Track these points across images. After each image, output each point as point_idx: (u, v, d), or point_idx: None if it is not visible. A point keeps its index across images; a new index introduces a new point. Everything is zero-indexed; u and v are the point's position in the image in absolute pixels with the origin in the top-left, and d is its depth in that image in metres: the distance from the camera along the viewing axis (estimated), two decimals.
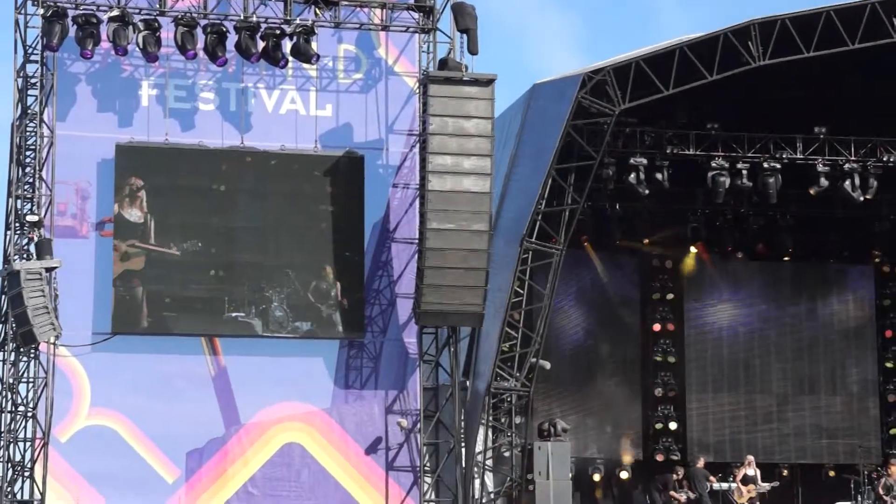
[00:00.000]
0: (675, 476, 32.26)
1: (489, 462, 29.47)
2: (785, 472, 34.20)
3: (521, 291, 29.12)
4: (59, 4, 26.49)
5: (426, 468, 28.31)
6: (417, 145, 28.19)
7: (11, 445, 26.63)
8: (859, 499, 31.58)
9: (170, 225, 27.58)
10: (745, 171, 30.72)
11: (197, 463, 27.25)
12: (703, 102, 29.54)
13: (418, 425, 28.24)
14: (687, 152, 30.73)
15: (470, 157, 26.68)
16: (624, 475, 34.99)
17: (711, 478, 31.05)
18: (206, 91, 28.41)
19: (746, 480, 30.28)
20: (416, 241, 27.65)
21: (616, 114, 28.42)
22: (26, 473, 26.49)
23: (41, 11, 26.58)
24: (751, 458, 31.20)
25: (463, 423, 28.51)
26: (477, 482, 28.84)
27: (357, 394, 28.34)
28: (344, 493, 27.77)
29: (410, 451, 28.25)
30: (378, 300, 28.69)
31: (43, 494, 26.18)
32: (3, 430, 26.80)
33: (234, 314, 27.80)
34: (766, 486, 30.55)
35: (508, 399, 29.32)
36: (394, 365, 28.52)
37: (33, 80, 27.30)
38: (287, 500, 27.32)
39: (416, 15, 29.05)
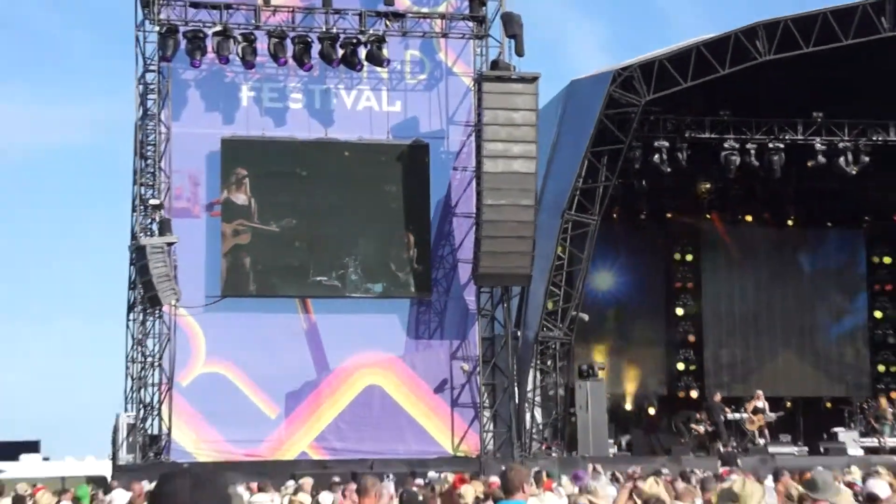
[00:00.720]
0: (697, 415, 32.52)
1: (538, 399, 29.80)
2: (789, 404, 34.25)
3: (563, 256, 29.45)
4: (171, 22, 26.95)
5: (485, 404, 28.49)
6: (474, 134, 28.25)
7: (142, 390, 27.31)
8: (852, 426, 31.80)
9: (269, 206, 27.97)
10: (752, 151, 30.65)
11: (294, 402, 27.61)
12: (717, 92, 29.55)
13: (478, 369, 28.38)
14: (703, 136, 30.83)
15: (518, 144, 26.78)
16: (651, 410, 35.31)
17: (726, 409, 31.12)
18: (295, 92, 28.69)
19: (756, 411, 30.19)
20: (474, 215, 27.87)
21: (642, 104, 28.68)
22: (155, 413, 27.18)
23: (157, 28, 27.08)
24: (760, 392, 31.14)
25: (515, 367, 28.79)
26: (528, 416, 29.26)
27: (426, 343, 28.62)
28: (416, 426, 28.02)
29: (471, 390, 28.45)
30: (442, 265, 28.88)
31: (169, 430, 26.85)
32: (135, 377, 27.48)
33: (318, 278, 28.24)
34: (772, 415, 30.48)
35: (553, 346, 29.71)
36: (456, 319, 28.75)
37: (152, 87, 27.75)
38: (369, 432, 27.49)
39: (470, 24, 29.19)
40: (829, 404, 35.75)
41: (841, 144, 31.19)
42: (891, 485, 11.75)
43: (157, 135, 27.65)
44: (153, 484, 15.22)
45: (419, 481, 20.06)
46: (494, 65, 28.15)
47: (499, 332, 28.76)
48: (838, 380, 36.95)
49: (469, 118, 28.86)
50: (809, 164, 31.37)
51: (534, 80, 27.22)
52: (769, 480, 15.32)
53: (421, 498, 12.63)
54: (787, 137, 31.03)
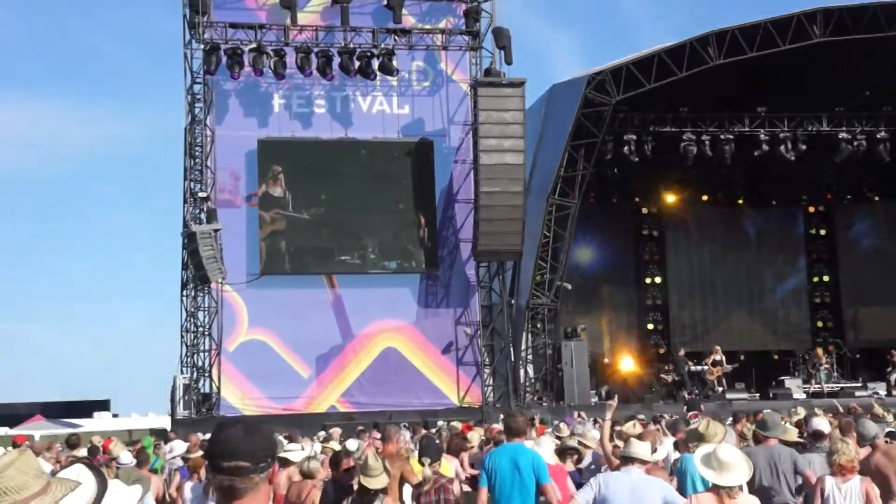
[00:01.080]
0: (665, 367, 32.61)
1: (530, 357, 29.84)
2: (742, 357, 34.21)
3: (549, 234, 29.48)
4: (214, 41, 26.95)
5: (485, 363, 28.52)
6: (471, 132, 28.17)
7: (195, 355, 27.34)
8: (796, 374, 31.85)
9: (300, 197, 27.93)
10: (707, 142, 30.62)
11: (323, 364, 27.66)
12: (676, 92, 29.42)
13: (478, 332, 28.42)
14: (665, 129, 30.75)
15: (508, 139, 26.68)
16: (625, 364, 35.32)
17: (689, 363, 31.13)
18: (319, 99, 28.64)
19: (715, 364, 30.16)
20: (473, 200, 27.82)
21: (613, 104, 28.67)
22: (206, 374, 27.25)
23: (202, 47, 27.14)
24: (717, 347, 31.12)
25: (510, 330, 28.82)
26: (521, 372, 29.27)
27: (434, 311, 28.60)
28: (427, 382, 28.04)
29: (473, 351, 28.45)
30: (446, 244, 28.86)
31: (218, 389, 26.96)
32: (188, 344, 27.49)
33: (342, 257, 28.24)
34: (728, 367, 30.42)
35: (542, 312, 29.74)
36: (459, 290, 28.72)
37: (198, 97, 27.74)
38: (388, 387, 27.42)
39: (466, 38, 29.19)
40: (776, 356, 35.66)
41: (781, 135, 31.12)
42: (829, 423, 11.72)
43: (203, 137, 27.66)
44: (207, 434, 15.23)
45: (432, 430, 20.05)
46: (487, 72, 28.14)
47: (495, 301, 28.73)
48: (783, 335, 36.95)
49: (467, 118, 28.75)
50: (756, 153, 31.28)
51: (521, 84, 27.16)
52: (728, 422, 15.28)
53: (437, 441, 12.64)
54: (735, 129, 30.97)
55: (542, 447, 9.90)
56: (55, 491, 3.43)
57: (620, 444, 9.14)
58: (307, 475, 9.85)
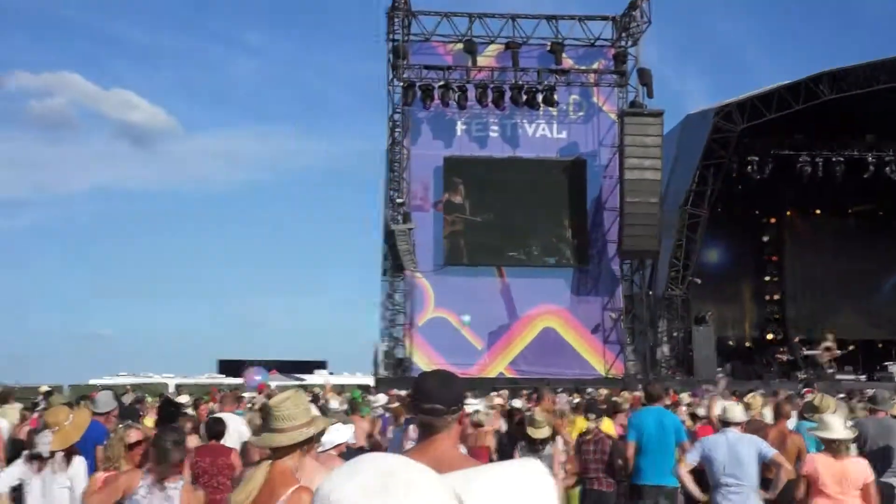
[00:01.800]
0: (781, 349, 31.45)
1: (665, 339, 29.23)
2: (851, 347, 32.69)
3: (682, 238, 28.85)
4: (411, 80, 27.45)
5: (627, 343, 28.20)
6: (617, 153, 27.76)
7: (392, 328, 28.02)
8: None
9: (476, 204, 28.09)
10: (820, 163, 29.45)
11: (494, 338, 27.73)
12: (793, 122, 28.37)
13: (622, 317, 28.08)
14: (783, 152, 29.59)
15: (648, 160, 26.30)
16: (748, 345, 34.22)
17: (803, 348, 30.05)
18: (493, 125, 28.71)
19: (827, 349, 29.09)
20: (618, 209, 27.47)
21: (738, 130, 27.85)
22: (400, 343, 27.81)
23: (401, 84, 27.67)
24: (830, 334, 29.92)
25: (648, 316, 28.36)
26: (658, 351, 28.76)
27: (585, 299, 28.30)
28: (578, 357, 27.81)
29: (617, 332, 28.13)
30: (595, 244, 28.55)
31: (410, 355, 27.36)
32: (387, 319, 28.13)
33: (510, 253, 28.26)
34: (839, 352, 29.29)
35: (675, 301, 29.15)
36: (607, 282, 28.41)
37: (397, 123, 28.29)
38: (546, 359, 27.19)
39: (615, 76, 28.92)
40: (880, 344, 33.81)
41: (886, 158, 29.62)
42: None
43: (400, 156, 28.14)
44: (403, 391, 15.47)
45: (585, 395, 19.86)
46: (632, 104, 27.79)
47: (636, 292, 28.37)
48: (886, 327, 34.93)
49: (614, 142, 28.38)
50: (864, 175, 29.79)
51: (660, 114, 26.78)
52: (840, 397, 14.58)
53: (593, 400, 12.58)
54: (845, 153, 29.61)
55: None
56: (317, 424, 3.84)
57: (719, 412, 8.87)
58: (476, 424, 10.08)
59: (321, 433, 4.27)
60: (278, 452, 3.76)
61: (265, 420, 3.84)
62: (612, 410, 11.05)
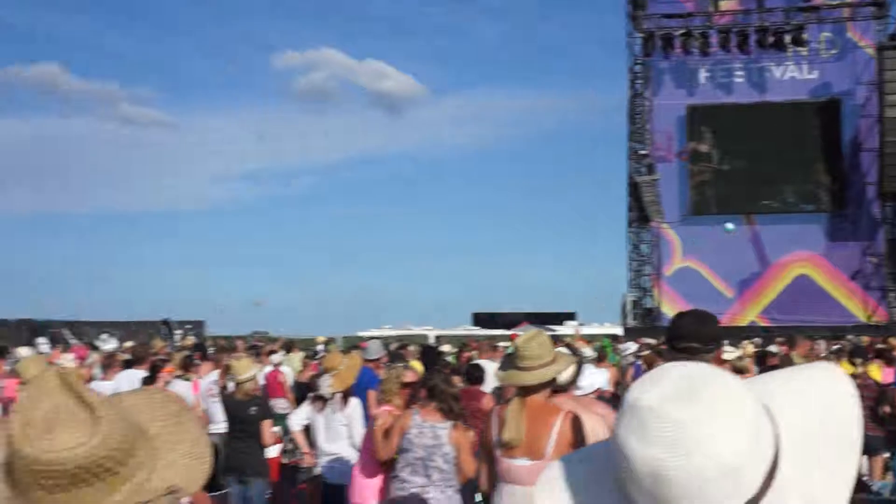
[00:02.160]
0: None
1: None
2: None
3: None
4: (650, 30, 26.53)
5: (889, 288, 25.98)
6: (876, 90, 25.40)
7: (640, 278, 27.43)
8: None
9: (723, 152, 26.85)
10: None
11: (744, 287, 26.63)
12: None
13: (884, 261, 25.95)
14: None
15: None
16: None
17: None
18: (738, 71, 27.23)
19: None
20: (877, 149, 25.16)
21: None
22: (648, 293, 27.25)
23: (641, 35, 26.86)
24: None
25: None
26: None
27: (842, 244, 26.32)
28: (836, 303, 26.10)
29: (879, 277, 26.07)
30: (853, 187, 26.40)
31: (659, 304, 26.75)
32: (634, 270, 27.57)
33: (763, 201, 26.77)
34: None
35: None
36: (865, 225, 26.31)
37: (638, 74, 27.58)
38: (801, 306, 25.59)
39: (872, 8, 26.40)
40: None
41: None
42: None
43: (642, 107, 27.46)
44: (651, 340, 15.15)
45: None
46: (892, 37, 25.46)
47: None
48: None
49: (872, 78, 25.90)
50: None
51: None
52: None
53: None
54: None
55: None
56: (559, 363, 4.00)
57: None
58: (739, 370, 9.64)
59: (572, 379, 4.29)
60: (527, 390, 3.88)
61: (511, 359, 3.96)
62: (880, 356, 10.23)
